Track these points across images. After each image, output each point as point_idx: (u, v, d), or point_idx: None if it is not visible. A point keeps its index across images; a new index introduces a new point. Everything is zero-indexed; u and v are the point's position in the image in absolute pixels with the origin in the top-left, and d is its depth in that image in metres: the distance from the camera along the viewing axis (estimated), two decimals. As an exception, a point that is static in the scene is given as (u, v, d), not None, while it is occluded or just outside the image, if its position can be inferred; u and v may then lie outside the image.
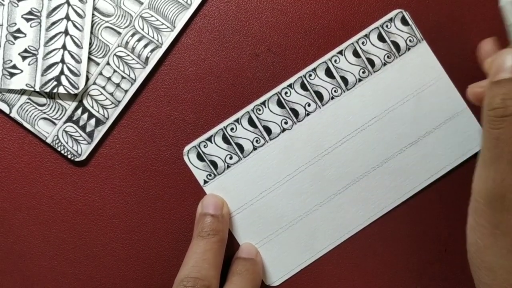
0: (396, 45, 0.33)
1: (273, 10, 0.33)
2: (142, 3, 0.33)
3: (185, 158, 0.33)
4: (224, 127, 0.33)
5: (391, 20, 0.33)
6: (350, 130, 0.33)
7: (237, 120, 0.33)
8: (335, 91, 0.33)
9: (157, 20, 0.33)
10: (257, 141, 0.33)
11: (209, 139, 0.33)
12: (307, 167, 0.33)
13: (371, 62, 0.33)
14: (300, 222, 0.33)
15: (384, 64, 0.33)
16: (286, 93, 0.33)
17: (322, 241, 0.33)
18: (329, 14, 0.34)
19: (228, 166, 0.33)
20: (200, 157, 0.33)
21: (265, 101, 0.33)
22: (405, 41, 0.33)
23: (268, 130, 0.33)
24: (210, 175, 0.33)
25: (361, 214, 0.34)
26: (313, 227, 0.33)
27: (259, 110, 0.33)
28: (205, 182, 0.33)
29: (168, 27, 0.33)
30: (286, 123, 0.33)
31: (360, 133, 0.33)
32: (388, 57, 0.33)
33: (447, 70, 0.34)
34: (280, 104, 0.33)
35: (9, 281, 0.33)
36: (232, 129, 0.33)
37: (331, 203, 0.33)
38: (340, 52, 0.33)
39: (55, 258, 0.33)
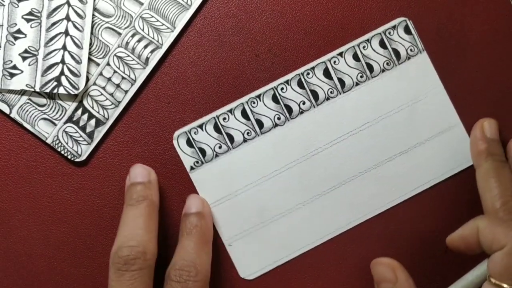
0: (396, 53, 0.33)
1: (273, 11, 0.33)
2: (142, 4, 0.33)
3: (174, 142, 0.33)
4: (216, 116, 0.33)
5: (394, 27, 0.33)
6: (342, 132, 0.33)
7: (230, 111, 0.33)
8: (331, 92, 0.33)
9: (157, 20, 0.33)
10: (248, 133, 0.33)
11: (200, 126, 0.33)
12: (295, 164, 0.33)
13: (370, 67, 0.33)
14: (282, 219, 0.33)
15: (383, 71, 0.33)
16: (282, 88, 0.33)
17: (302, 240, 0.33)
18: (329, 15, 0.34)
19: (217, 155, 0.33)
20: (189, 143, 0.33)
21: (260, 94, 0.33)
22: (406, 50, 0.33)
23: (260, 124, 0.33)
24: (197, 162, 0.33)
25: (344, 218, 0.33)
26: (294, 225, 0.33)
27: (254, 102, 0.33)
28: (192, 168, 0.33)
29: (168, 27, 0.33)
30: (279, 118, 0.33)
31: (351, 136, 0.33)
32: (387, 64, 0.33)
33: (444, 83, 0.34)
34: (275, 99, 0.33)
35: (9, 281, 0.33)
36: (224, 118, 0.33)
37: (315, 203, 0.33)
38: (340, 54, 0.33)
39: (55, 259, 0.33)
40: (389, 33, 0.33)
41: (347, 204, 0.33)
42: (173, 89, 0.33)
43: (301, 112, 0.33)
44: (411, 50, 0.33)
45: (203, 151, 0.33)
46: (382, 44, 0.33)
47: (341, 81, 0.33)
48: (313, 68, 0.33)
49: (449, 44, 0.34)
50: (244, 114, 0.33)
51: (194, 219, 0.31)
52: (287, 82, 0.33)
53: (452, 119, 0.34)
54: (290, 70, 0.33)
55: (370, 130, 0.33)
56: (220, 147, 0.33)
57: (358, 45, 0.33)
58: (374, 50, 0.33)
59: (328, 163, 0.33)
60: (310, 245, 0.34)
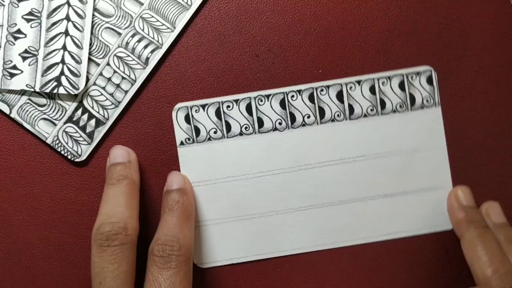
0: (412, 98, 0.33)
1: (273, 11, 0.33)
2: (142, 4, 0.33)
3: (173, 113, 0.33)
4: (221, 101, 0.33)
5: (418, 73, 0.33)
6: (336, 157, 0.33)
7: (236, 101, 0.33)
8: (338, 115, 0.33)
9: (157, 20, 0.33)
10: (246, 128, 0.33)
11: (203, 106, 0.33)
12: (281, 173, 0.33)
13: (383, 104, 0.33)
14: (251, 220, 0.33)
15: (394, 111, 0.33)
16: (292, 96, 0.33)
17: (264, 247, 0.33)
18: (330, 15, 0.34)
19: (209, 139, 0.33)
20: (187, 119, 0.33)
21: (270, 95, 0.33)
22: (423, 99, 0.33)
23: (260, 122, 0.33)
24: (189, 139, 0.33)
25: (311, 239, 0.33)
26: (261, 231, 0.33)
27: (261, 100, 0.33)
28: (182, 143, 0.33)
29: (168, 27, 0.33)
30: (280, 124, 0.33)
31: (343, 164, 0.33)
32: (400, 106, 0.33)
33: (449, 142, 0.34)
34: (282, 104, 0.33)
35: (9, 281, 0.33)
36: (228, 106, 0.33)
37: (289, 216, 0.33)
38: (359, 82, 0.33)
39: (54, 259, 0.33)
40: (412, 77, 0.33)
41: (318, 227, 0.33)
42: (173, 89, 0.33)
43: (303, 124, 0.33)
44: (427, 100, 0.33)
45: (197, 131, 0.33)
46: (401, 86, 0.33)
47: (351, 108, 0.33)
48: (328, 87, 0.33)
49: (449, 44, 0.34)
50: (249, 108, 0.33)
51: (175, 195, 0.31)
52: (299, 91, 0.33)
53: (444, 181, 0.34)
54: (290, 70, 0.33)
55: (363, 163, 0.33)
56: (215, 132, 0.33)
57: (378, 79, 0.33)
58: (392, 89, 0.33)
59: (312, 182, 0.33)
60: (270, 254, 0.33)
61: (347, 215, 0.33)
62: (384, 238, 0.34)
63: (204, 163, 0.33)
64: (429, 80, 0.33)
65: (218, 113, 0.33)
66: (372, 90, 0.33)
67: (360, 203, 0.33)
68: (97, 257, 0.28)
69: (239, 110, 0.33)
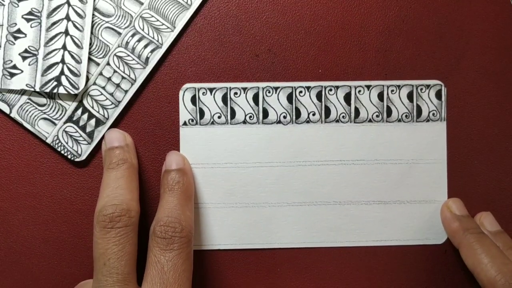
0: (419, 110, 0.34)
1: (273, 11, 0.33)
2: (142, 4, 0.33)
3: (180, 93, 0.33)
4: (230, 87, 0.33)
5: (428, 86, 0.34)
6: (335, 158, 0.33)
7: (244, 89, 0.33)
8: (343, 116, 0.33)
9: (157, 20, 0.33)
10: (250, 117, 0.33)
11: (211, 90, 0.33)
12: (279, 166, 0.33)
13: (389, 112, 0.33)
14: (243, 209, 0.33)
15: (399, 121, 0.34)
16: (300, 92, 0.33)
17: (250, 238, 0.34)
18: (330, 15, 0.34)
19: (212, 123, 0.33)
20: (193, 100, 0.33)
21: (278, 87, 0.33)
22: (429, 112, 0.34)
23: (265, 114, 0.33)
24: (192, 121, 0.33)
25: (299, 235, 0.34)
26: (252, 221, 0.33)
27: (269, 92, 0.33)
28: (185, 123, 0.33)
29: (168, 27, 0.33)
30: (284, 117, 0.33)
31: (342, 165, 0.33)
32: (406, 116, 0.34)
33: (449, 156, 0.34)
34: (289, 98, 0.33)
35: (9, 281, 0.33)
36: (235, 93, 0.33)
37: (281, 209, 0.33)
38: (368, 87, 0.33)
39: (55, 258, 0.33)
40: (421, 89, 0.33)
41: (308, 224, 0.34)
42: (173, 89, 0.33)
43: (308, 121, 0.33)
44: (433, 114, 0.34)
45: (202, 113, 0.33)
46: (410, 96, 0.33)
47: (357, 111, 0.33)
48: (337, 87, 0.33)
49: (449, 44, 0.34)
50: (256, 98, 0.33)
51: (175, 175, 0.31)
52: (307, 88, 0.33)
53: (440, 195, 0.34)
54: (290, 70, 0.33)
55: (361, 167, 0.33)
56: (219, 117, 0.33)
57: (388, 87, 0.33)
58: (400, 98, 0.33)
59: (308, 179, 0.33)
60: (257, 245, 0.34)
61: (339, 216, 0.34)
62: (373, 244, 0.34)
63: (204, 146, 0.33)
64: (438, 95, 0.34)
65: (224, 99, 0.33)
66: (381, 96, 0.33)
67: (353, 206, 0.34)
68: (100, 239, 0.28)
69: (246, 99, 0.33)
